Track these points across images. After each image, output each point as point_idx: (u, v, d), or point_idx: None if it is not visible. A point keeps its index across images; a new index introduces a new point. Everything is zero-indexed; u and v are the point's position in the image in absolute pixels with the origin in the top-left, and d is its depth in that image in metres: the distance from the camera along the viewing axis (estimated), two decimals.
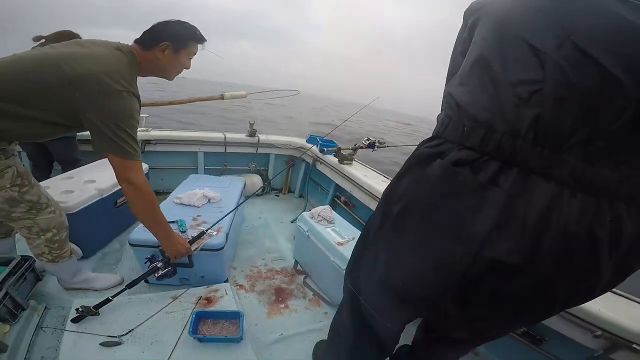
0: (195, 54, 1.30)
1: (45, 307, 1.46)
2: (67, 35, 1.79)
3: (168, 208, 1.82)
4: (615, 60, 0.50)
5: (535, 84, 0.55)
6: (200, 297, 1.51)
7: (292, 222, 2.57)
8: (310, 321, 1.61)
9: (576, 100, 0.52)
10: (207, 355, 1.22)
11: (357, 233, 1.79)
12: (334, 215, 1.89)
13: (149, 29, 1.21)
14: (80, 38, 1.59)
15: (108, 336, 1.23)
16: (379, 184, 2.08)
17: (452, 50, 0.81)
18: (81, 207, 1.69)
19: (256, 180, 2.93)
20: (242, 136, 2.90)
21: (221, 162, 2.87)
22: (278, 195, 3.14)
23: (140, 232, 1.53)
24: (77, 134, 2.13)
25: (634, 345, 1.01)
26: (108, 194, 1.89)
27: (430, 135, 0.74)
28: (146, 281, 1.64)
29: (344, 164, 2.38)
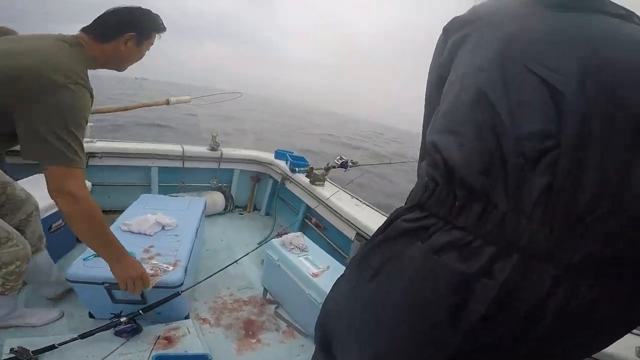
0: (153, 44, 1.18)
1: None
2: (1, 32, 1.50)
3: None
4: None
5: (546, 138, 0.42)
6: (159, 336, 1.29)
7: (259, 244, 2.38)
8: (286, 355, 1.48)
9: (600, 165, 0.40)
10: None
11: (331, 260, 1.69)
12: (307, 241, 1.76)
13: (104, 18, 1.05)
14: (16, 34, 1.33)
15: None
16: (352, 207, 2.01)
17: (428, 76, 0.65)
18: None
19: (218, 199, 2.69)
20: (203, 149, 2.66)
21: (178, 178, 2.59)
22: (242, 214, 2.91)
23: (79, 267, 1.29)
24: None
25: None
26: (41, 217, 1.57)
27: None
28: (91, 315, 1.44)
29: (315, 184, 2.26)
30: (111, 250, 1.12)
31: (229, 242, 2.37)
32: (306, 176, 2.35)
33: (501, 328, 0.44)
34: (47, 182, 0.94)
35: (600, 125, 0.40)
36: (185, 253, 1.51)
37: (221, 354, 1.42)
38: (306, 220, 2.43)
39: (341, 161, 2.21)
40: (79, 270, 1.28)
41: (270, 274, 1.79)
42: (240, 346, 1.49)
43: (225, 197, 2.76)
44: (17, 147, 0.95)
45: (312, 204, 2.26)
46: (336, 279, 0.72)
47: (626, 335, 0.48)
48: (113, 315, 1.24)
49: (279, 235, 2.00)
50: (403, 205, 0.61)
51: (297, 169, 2.40)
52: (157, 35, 1.15)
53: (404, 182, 8.11)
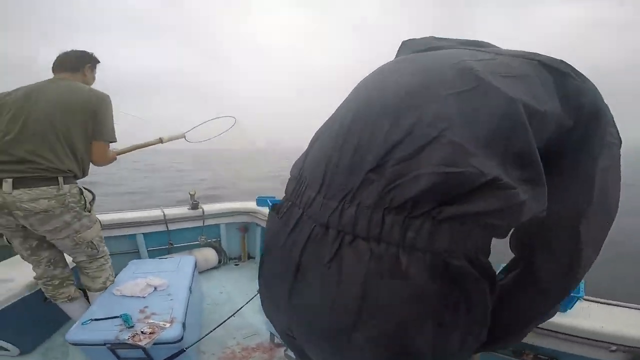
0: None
1: None
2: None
3: (108, 302, 1.53)
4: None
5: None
6: None
7: (259, 291, 2.34)
8: None
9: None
10: None
11: None
12: None
13: (64, 58, 1.57)
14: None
15: None
16: None
17: None
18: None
19: (209, 255, 2.66)
20: (184, 210, 2.67)
21: (165, 241, 2.58)
22: (237, 264, 2.87)
23: (78, 331, 1.29)
24: None
25: None
26: (33, 290, 1.64)
27: None
28: None
29: None
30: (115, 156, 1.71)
31: (229, 293, 2.33)
32: None
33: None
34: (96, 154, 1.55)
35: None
36: (181, 310, 1.48)
37: None
38: None
39: None
40: (77, 333, 1.27)
41: None
42: None
43: (217, 251, 2.74)
44: None
45: None
46: None
47: None
48: None
49: None
50: None
51: None
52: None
53: None
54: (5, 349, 1.61)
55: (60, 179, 1.38)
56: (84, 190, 1.52)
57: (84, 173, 1.55)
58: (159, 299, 1.58)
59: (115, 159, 1.72)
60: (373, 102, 0.64)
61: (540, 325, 1.02)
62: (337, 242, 0.55)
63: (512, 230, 0.60)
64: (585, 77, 0.58)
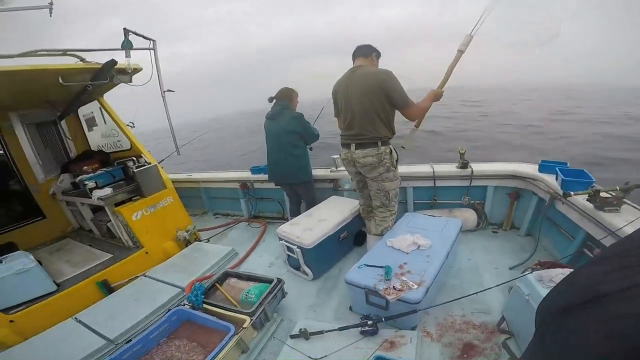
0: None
1: (281, 320, 2.02)
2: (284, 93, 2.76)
3: (380, 251, 2.06)
4: None
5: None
6: (386, 339, 1.62)
7: (510, 269, 2.13)
8: None
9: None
10: None
11: None
12: None
13: (359, 48, 2.18)
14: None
15: (309, 357, 1.60)
16: None
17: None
18: (316, 243, 2.28)
19: (469, 216, 2.67)
20: (452, 168, 2.74)
21: (430, 195, 2.81)
22: (497, 232, 2.67)
23: (353, 274, 1.85)
24: (314, 179, 2.89)
25: None
26: (334, 231, 2.41)
27: None
28: (350, 308, 1.99)
29: (604, 210, 1.71)
30: (427, 106, 2.09)
31: (476, 262, 2.29)
32: (588, 200, 1.81)
33: None
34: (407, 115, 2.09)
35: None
36: (432, 274, 1.68)
37: None
38: (585, 250, 1.89)
39: None
40: (353, 275, 1.84)
41: (514, 306, 1.62)
42: None
43: (477, 214, 2.69)
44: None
45: (596, 233, 1.74)
46: None
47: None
48: (363, 316, 1.69)
49: (540, 265, 1.70)
50: None
51: (572, 192, 1.83)
52: None
53: None
54: (307, 274, 2.37)
55: (379, 143, 2.08)
56: (393, 150, 2.15)
57: (394, 132, 2.15)
58: (418, 258, 1.88)
59: (424, 109, 2.11)
60: None
61: None
62: None
63: None
64: None
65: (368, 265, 1.85)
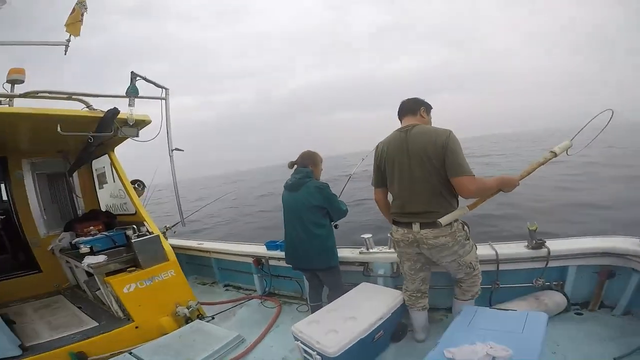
0: None
1: None
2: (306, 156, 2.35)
3: None
4: None
5: None
6: None
7: (616, 359, 1.60)
8: None
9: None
10: None
11: None
12: None
13: (404, 104, 1.95)
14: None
15: None
16: None
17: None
18: (343, 351, 1.71)
19: (559, 301, 2.11)
20: (520, 248, 2.18)
21: (491, 279, 2.22)
22: (581, 314, 2.12)
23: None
24: (340, 262, 2.37)
25: None
26: (367, 333, 1.82)
27: None
28: None
29: None
30: (492, 186, 1.75)
31: (565, 356, 1.76)
32: None
33: None
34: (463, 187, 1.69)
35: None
36: None
37: None
38: None
39: None
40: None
41: None
42: None
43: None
44: None
45: None
46: None
47: None
48: None
49: None
50: None
51: None
52: None
53: None
54: None
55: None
56: (464, 223, 1.86)
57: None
58: None
59: (488, 188, 1.76)
60: None
61: None
62: None
63: None
64: None
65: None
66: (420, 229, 1.77)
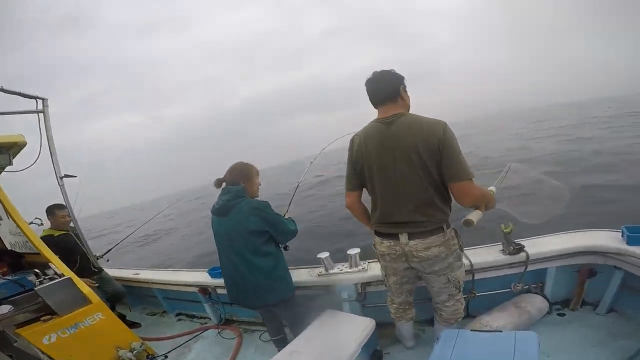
0: None
1: None
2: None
3: None
4: None
5: None
6: None
7: None
8: None
9: None
10: None
11: None
12: None
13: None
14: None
15: None
16: None
17: None
18: None
19: (541, 306, 1.98)
20: (497, 255, 1.98)
21: (468, 290, 2.02)
22: (564, 314, 2.01)
23: None
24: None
25: None
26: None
27: None
28: None
29: None
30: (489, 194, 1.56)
31: None
32: None
33: None
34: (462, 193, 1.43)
35: None
36: None
37: None
38: None
39: None
40: None
41: None
42: None
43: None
44: None
45: None
46: None
47: None
48: None
49: None
50: None
51: None
52: None
53: None
54: None
55: (444, 227, 1.50)
56: (457, 230, 1.57)
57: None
58: None
59: (487, 195, 1.54)
60: None
61: None
62: None
63: None
64: None
65: None
66: (409, 239, 1.48)
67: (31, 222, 2.36)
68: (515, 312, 1.91)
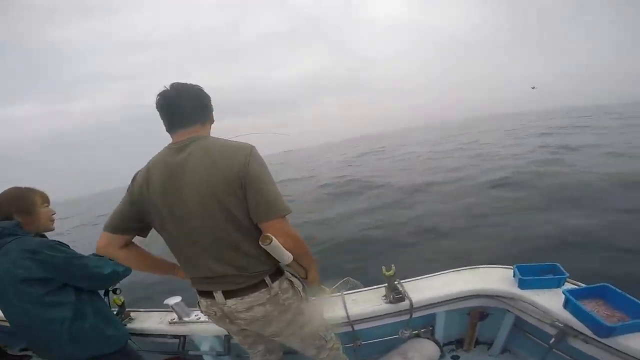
0: None
1: None
2: None
3: None
4: None
5: None
6: None
7: None
8: None
9: None
10: None
11: None
12: None
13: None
14: None
15: None
16: None
17: None
18: None
19: (432, 351, 1.77)
20: (379, 304, 1.67)
21: (349, 339, 1.73)
22: (457, 356, 1.87)
23: None
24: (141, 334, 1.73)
25: None
26: None
27: None
28: None
29: None
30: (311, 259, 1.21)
31: None
32: None
33: None
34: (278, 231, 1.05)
35: None
36: None
37: None
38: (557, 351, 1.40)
39: None
40: None
41: None
42: None
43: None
44: None
45: None
46: None
47: None
48: None
49: None
50: None
51: None
52: None
53: None
54: None
55: (266, 279, 1.14)
56: (292, 277, 1.23)
57: None
58: None
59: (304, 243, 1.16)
60: None
61: None
62: None
63: None
64: None
65: None
66: (225, 298, 1.12)
67: None
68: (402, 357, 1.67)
